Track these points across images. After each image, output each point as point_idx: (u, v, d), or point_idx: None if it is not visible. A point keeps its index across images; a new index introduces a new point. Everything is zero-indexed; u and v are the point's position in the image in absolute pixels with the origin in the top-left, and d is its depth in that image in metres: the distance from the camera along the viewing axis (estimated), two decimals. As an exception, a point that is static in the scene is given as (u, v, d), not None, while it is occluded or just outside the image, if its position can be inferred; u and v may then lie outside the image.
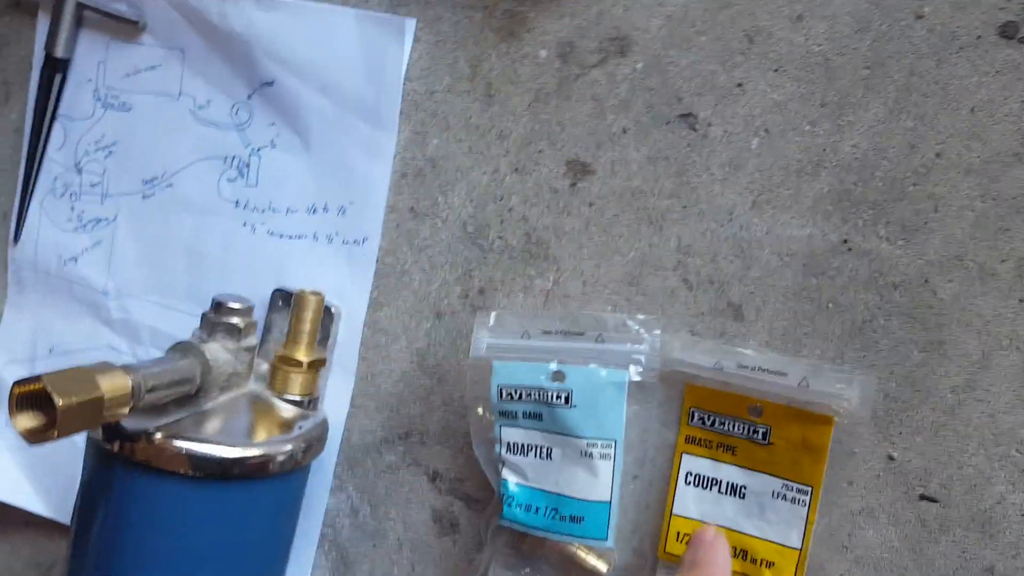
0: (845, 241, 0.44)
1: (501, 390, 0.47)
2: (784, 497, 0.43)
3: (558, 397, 0.46)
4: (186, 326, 0.55)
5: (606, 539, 0.46)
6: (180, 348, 0.47)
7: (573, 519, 0.46)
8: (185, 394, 0.46)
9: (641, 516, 0.47)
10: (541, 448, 0.47)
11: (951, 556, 0.43)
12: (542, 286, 0.50)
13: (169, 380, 0.44)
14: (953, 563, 0.43)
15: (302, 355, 0.49)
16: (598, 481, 0.46)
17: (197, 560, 0.45)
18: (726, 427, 0.45)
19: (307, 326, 0.50)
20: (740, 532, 0.44)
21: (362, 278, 0.53)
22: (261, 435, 0.47)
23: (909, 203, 0.43)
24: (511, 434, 0.47)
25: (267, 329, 0.54)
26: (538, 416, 0.47)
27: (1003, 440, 0.42)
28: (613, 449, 0.46)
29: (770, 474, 0.44)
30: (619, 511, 0.47)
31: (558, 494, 0.47)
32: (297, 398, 0.50)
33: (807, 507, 0.43)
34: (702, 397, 0.45)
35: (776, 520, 0.44)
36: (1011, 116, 0.42)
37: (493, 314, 0.48)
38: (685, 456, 0.46)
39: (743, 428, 0.44)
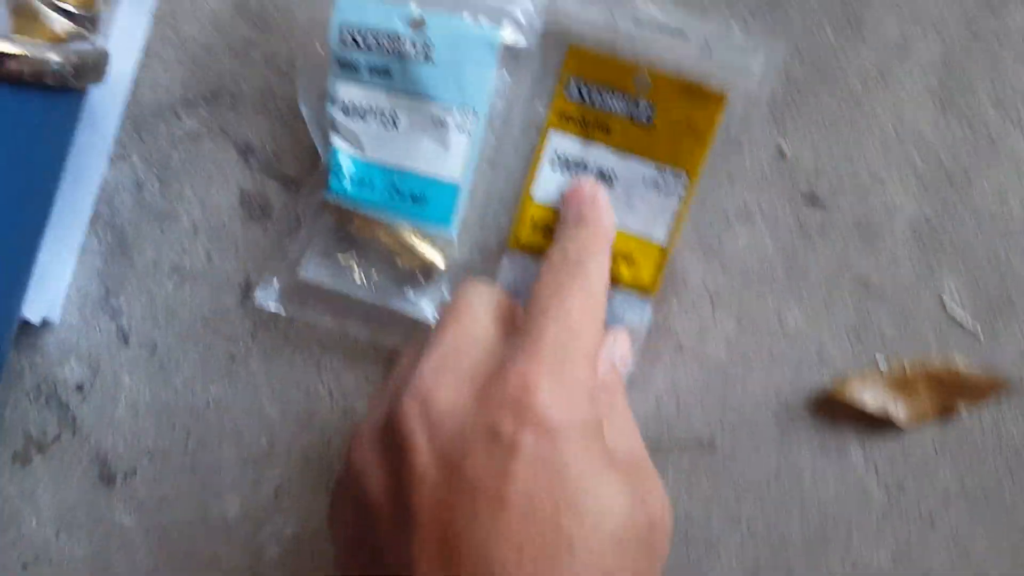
0: None
1: (344, 31, 0.37)
2: (656, 185, 0.37)
3: (415, 48, 0.37)
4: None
5: (449, 225, 0.38)
6: None
7: (414, 199, 0.38)
8: None
9: (493, 209, 0.40)
10: (385, 112, 0.38)
11: (825, 265, 0.39)
12: (406, -84, 0.40)
13: None
14: (827, 272, 0.39)
15: None
16: (449, 156, 0.38)
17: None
18: (606, 102, 0.37)
19: None
20: None
21: None
22: (17, 35, 0.35)
23: None
24: (349, 92, 0.38)
25: None
26: (386, 72, 0.38)
27: (905, 138, 0.38)
28: (472, 121, 0.38)
29: (645, 158, 0.37)
30: (468, 199, 0.39)
31: (399, 168, 0.38)
32: (71, 8, 0.38)
33: (679, 198, 0.37)
34: (585, 63, 0.37)
35: (643, 210, 0.37)
36: None
37: (342, -79, 0.38)
38: (553, 134, 0.38)
39: (624, 105, 0.37)
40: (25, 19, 0.37)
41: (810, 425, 0.39)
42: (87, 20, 0.39)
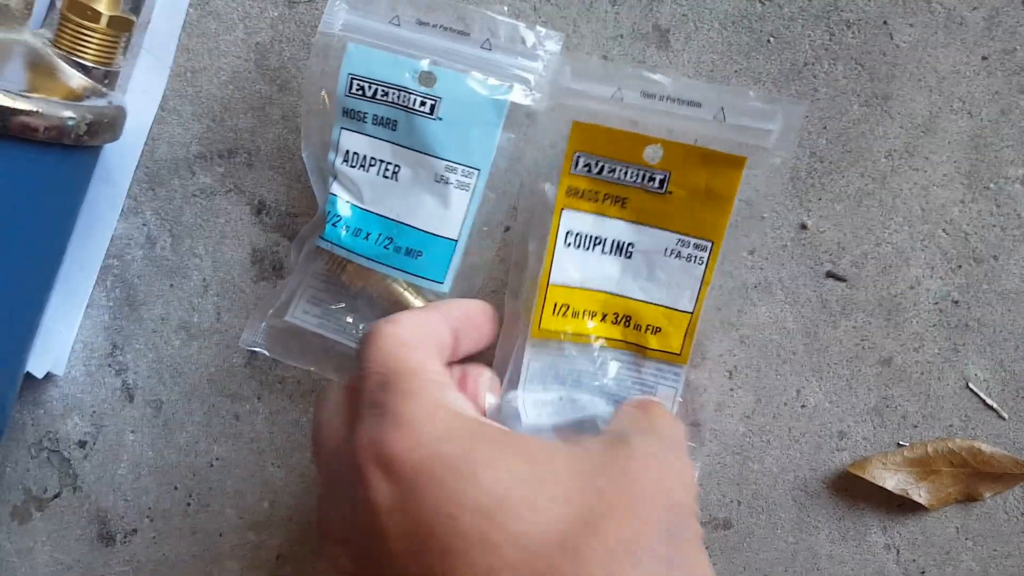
0: (804, -39, 0.37)
1: (352, 81, 0.37)
2: (679, 255, 0.36)
3: (422, 104, 0.37)
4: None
5: (443, 282, 0.38)
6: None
7: (410, 252, 0.38)
8: None
9: (485, 267, 0.39)
10: (387, 164, 0.38)
11: (847, 343, 0.38)
12: (429, -20, 0.40)
13: None
14: (849, 351, 0.38)
15: (102, 5, 0.37)
16: (448, 213, 0.38)
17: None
18: (617, 174, 0.36)
19: None
20: (624, 296, 0.37)
21: (194, -65, 0.41)
22: (34, 92, 0.34)
23: (886, -78, 0.36)
24: (353, 141, 0.38)
25: None
26: (392, 124, 0.37)
27: (931, 217, 0.37)
28: (475, 179, 0.37)
29: (664, 228, 0.36)
30: (464, 256, 0.38)
31: (397, 221, 0.38)
32: (89, 65, 0.38)
33: (704, 265, 0.36)
34: (591, 137, 0.36)
35: (667, 281, 0.36)
36: None
37: (360, -16, 0.37)
38: (566, 213, 0.37)
39: (637, 175, 0.36)
40: (42, 74, 0.37)
41: (829, 505, 0.38)
42: (105, 76, 0.39)
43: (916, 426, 0.38)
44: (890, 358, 0.38)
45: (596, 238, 0.37)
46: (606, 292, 0.37)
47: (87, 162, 0.39)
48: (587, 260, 0.37)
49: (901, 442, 0.38)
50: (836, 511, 0.38)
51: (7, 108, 0.33)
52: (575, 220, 0.36)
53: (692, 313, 0.36)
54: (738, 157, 0.34)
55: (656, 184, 0.36)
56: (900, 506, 0.38)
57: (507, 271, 0.39)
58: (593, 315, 0.37)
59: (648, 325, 0.37)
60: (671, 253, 0.36)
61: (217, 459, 0.42)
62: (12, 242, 0.36)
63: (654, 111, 0.35)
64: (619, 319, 0.37)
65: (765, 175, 0.35)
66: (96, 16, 0.37)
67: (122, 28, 0.38)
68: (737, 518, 0.39)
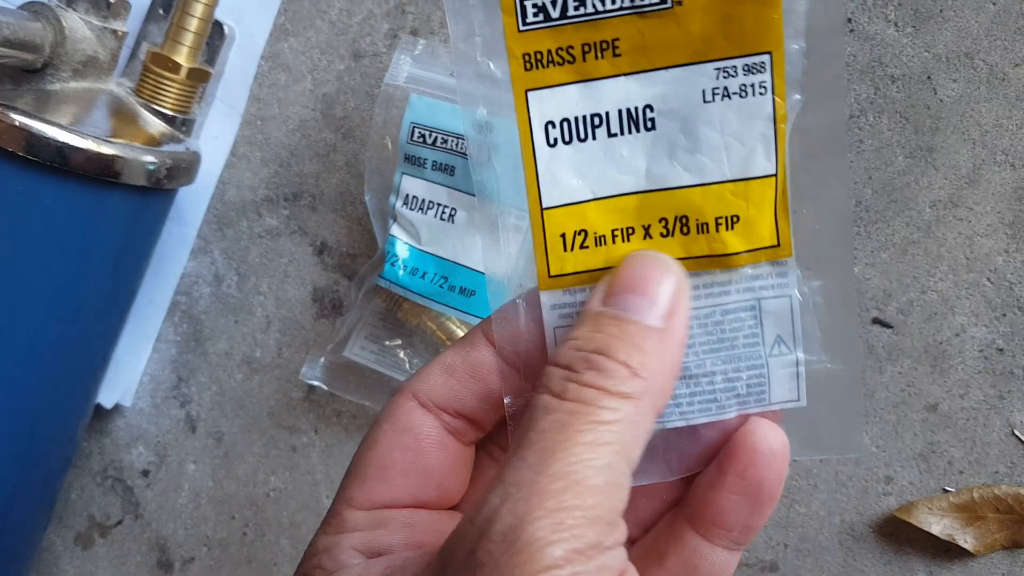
0: (849, 19, 0.38)
1: (414, 129, 0.39)
2: (726, 93, 0.23)
3: (479, 149, 0.39)
4: None
5: None
6: (31, 7, 0.37)
7: (463, 291, 0.39)
8: (29, 66, 0.36)
9: None
10: (445, 208, 0.40)
11: (894, 388, 0.39)
12: (487, 36, 0.42)
13: (10, 37, 0.34)
14: (895, 396, 0.38)
15: (182, 58, 0.40)
16: (501, 254, 0.39)
17: (19, 260, 0.35)
18: (588, 5, 0.22)
19: (193, 25, 0.40)
20: (664, 188, 0.23)
21: (269, -6, 0.43)
22: (118, 137, 0.37)
23: (929, -16, 0.38)
24: (413, 185, 0.40)
25: (140, 41, 0.44)
26: (450, 169, 0.39)
27: (976, 266, 0.38)
28: (526, 222, 0.39)
29: (689, 63, 0.23)
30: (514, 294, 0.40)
31: (453, 262, 0.39)
32: (168, 112, 0.40)
33: (770, 92, 0.22)
34: None
35: (721, 141, 0.23)
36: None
37: (422, 42, 0.40)
38: (533, 96, 0.24)
39: None
40: (125, 121, 0.40)
41: (875, 549, 0.39)
42: (182, 123, 0.41)
43: (962, 472, 0.38)
44: (936, 404, 0.38)
45: (593, 117, 0.24)
46: (636, 192, 0.24)
47: (164, 204, 0.41)
48: (589, 155, 0.24)
49: (947, 487, 0.38)
50: (882, 556, 0.39)
51: (93, 152, 0.35)
52: (551, 101, 0.24)
53: (776, 175, 0.23)
54: None
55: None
56: (946, 551, 0.38)
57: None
58: (629, 232, 0.24)
59: (717, 219, 0.23)
60: (715, 95, 0.23)
61: (274, 490, 0.44)
62: (92, 279, 0.39)
63: None
64: (670, 226, 0.24)
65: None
66: (176, 68, 0.40)
67: (199, 79, 0.41)
68: (784, 561, 0.39)
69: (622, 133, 0.24)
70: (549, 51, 0.23)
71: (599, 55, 0.23)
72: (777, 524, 0.39)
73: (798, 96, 0.23)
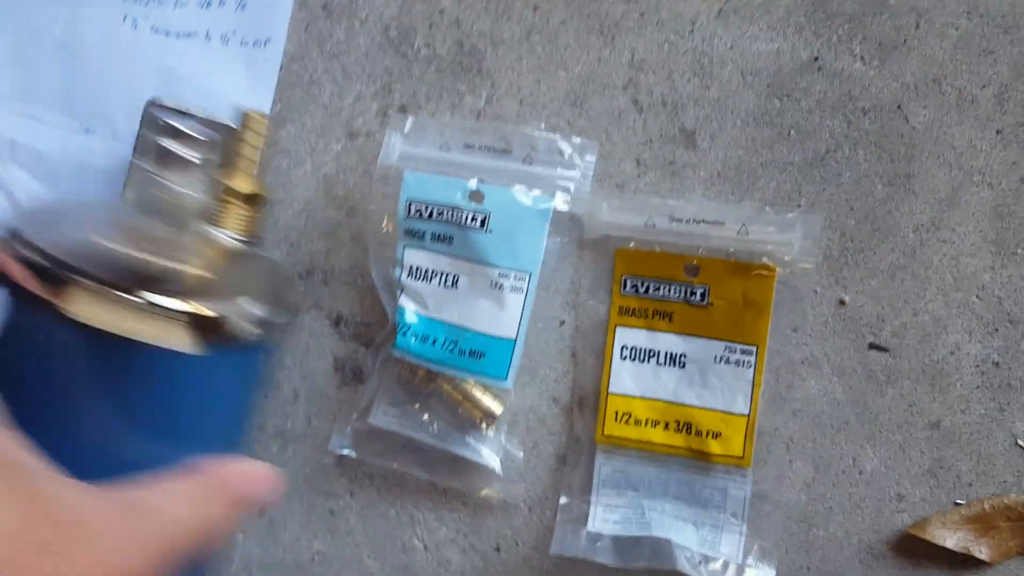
0: (816, 59, 0.39)
1: (410, 205, 0.41)
2: (728, 360, 0.39)
3: (473, 219, 0.41)
4: (53, 139, 0.47)
5: (505, 379, 0.41)
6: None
7: (473, 354, 0.41)
8: None
9: (544, 359, 0.43)
10: (447, 275, 0.42)
11: (896, 409, 0.40)
12: (473, 104, 0.44)
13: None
14: (898, 417, 0.40)
15: (246, 186, 0.41)
16: (505, 315, 0.41)
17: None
18: (661, 292, 0.40)
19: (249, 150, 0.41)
20: (682, 404, 0.40)
21: (263, 87, 0.46)
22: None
23: (889, 17, 0.38)
24: (415, 256, 0.42)
25: (141, 151, 0.42)
26: (448, 239, 0.41)
27: (963, 285, 0.39)
28: (526, 283, 0.41)
29: (711, 337, 0.40)
30: (524, 351, 0.42)
31: (460, 326, 0.41)
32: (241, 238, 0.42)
33: (752, 368, 0.39)
34: (634, 261, 0.40)
35: (720, 386, 0.40)
36: (1009, -79, 0.37)
37: (410, 119, 0.42)
38: (619, 329, 0.41)
39: (679, 291, 0.40)
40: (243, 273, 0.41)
41: (895, 567, 0.40)
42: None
43: (971, 484, 0.39)
44: (939, 421, 0.39)
45: (649, 351, 0.41)
46: (664, 401, 0.40)
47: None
48: (643, 371, 0.41)
49: (958, 500, 0.39)
50: (902, 572, 0.40)
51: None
52: (628, 336, 0.41)
53: (749, 415, 0.39)
54: (768, 266, 0.38)
55: (698, 297, 0.39)
56: (963, 563, 0.39)
57: (566, 361, 0.43)
58: (655, 423, 0.40)
59: (708, 431, 0.39)
60: (720, 360, 0.40)
61: (318, 553, 0.46)
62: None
63: (685, 233, 0.39)
64: (680, 426, 0.40)
65: (795, 271, 0.38)
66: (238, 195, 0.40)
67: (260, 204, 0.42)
68: (806, 582, 0.41)
69: (664, 365, 0.40)
70: (633, 308, 0.41)
71: (660, 318, 0.40)
72: (798, 548, 0.41)
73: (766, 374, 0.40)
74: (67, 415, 0.34)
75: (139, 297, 0.33)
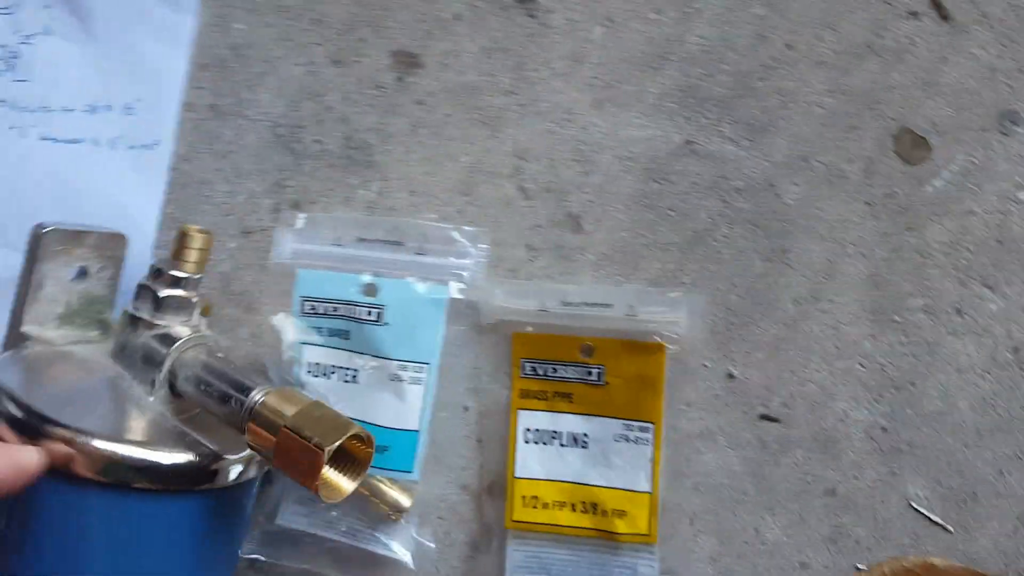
0: (689, 142, 0.40)
1: (305, 302, 0.41)
2: (627, 439, 0.40)
3: (369, 313, 0.41)
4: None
5: (412, 471, 0.41)
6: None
7: (378, 449, 0.41)
8: None
9: (450, 447, 0.43)
10: (346, 371, 0.42)
11: (792, 479, 0.40)
12: (365, 197, 0.44)
13: None
14: (795, 486, 0.40)
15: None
16: (406, 407, 0.41)
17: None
18: (559, 373, 0.41)
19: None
20: (587, 484, 0.40)
21: (152, 189, 0.46)
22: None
23: (756, 99, 0.40)
24: (313, 353, 0.42)
25: (33, 283, 0.40)
26: (345, 334, 0.41)
27: (846, 353, 0.40)
28: (426, 373, 0.41)
29: (609, 416, 0.40)
30: (430, 441, 0.42)
31: (362, 422, 0.41)
32: None
33: (651, 445, 0.39)
34: (531, 345, 0.41)
35: (622, 464, 0.40)
36: (863, 2, 0.39)
37: (302, 216, 0.42)
38: (522, 412, 0.41)
39: (577, 372, 0.40)
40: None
41: (804, 634, 0.40)
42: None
43: (870, 549, 0.40)
44: (834, 488, 0.40)
45: (552, 432, 0.41)
46: (570, 482, 0.40)
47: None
48: (547, 454, 0.41)
49: (859, 566, 0.40)
50: (811, 638, 0.40)
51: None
52: (531, 418, 0.41)
53: (651, 492, 0.39)
54: (657, 344, 0.38)
55: (594, 377, 0.40)
56: (869, 628, 0.40)
57: (472, 447, 0.43)
58: (563, 505, 0.40)
59: (614, 510, 0.40)
60: (620, 438, 0.40)
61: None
62: None
63: (578, 315, 0.40)
64: (587, 507, 0.40)
65: (684, 347, 0.39)
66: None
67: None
68: (718, 657, 0.41)
69: (568, 446, 0.41)
70: (533, 390, 0.41)
71: (561, 399, 0.41)
72: (709, 621, 0.41)
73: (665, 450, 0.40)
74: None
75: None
